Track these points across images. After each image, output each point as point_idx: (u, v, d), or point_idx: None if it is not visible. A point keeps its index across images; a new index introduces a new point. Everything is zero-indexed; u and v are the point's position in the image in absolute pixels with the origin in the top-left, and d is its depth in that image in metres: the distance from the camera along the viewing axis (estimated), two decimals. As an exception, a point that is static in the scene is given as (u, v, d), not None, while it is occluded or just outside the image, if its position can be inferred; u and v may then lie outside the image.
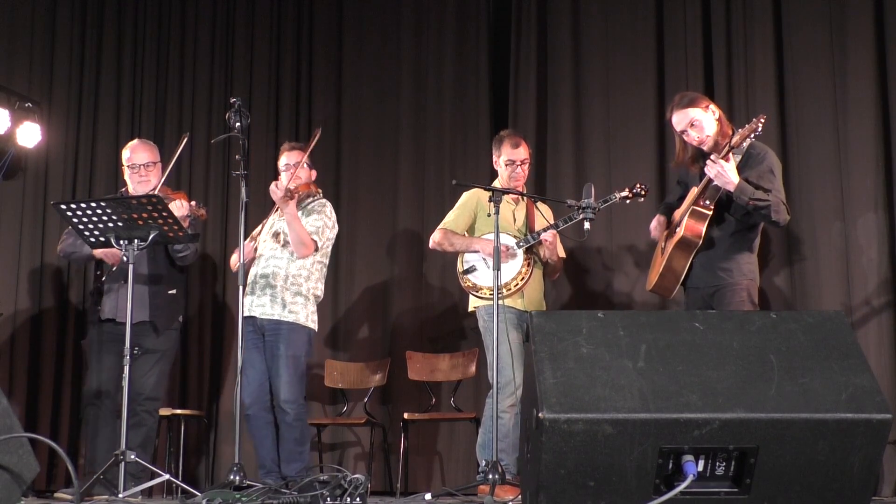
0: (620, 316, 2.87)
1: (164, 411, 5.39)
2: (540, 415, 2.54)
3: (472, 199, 4.83)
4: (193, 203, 4.60)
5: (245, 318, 4.44)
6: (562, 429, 2.53)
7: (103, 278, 4.72)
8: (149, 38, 6.54)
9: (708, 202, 4.09)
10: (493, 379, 4.14)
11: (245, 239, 4.32)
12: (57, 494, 4.56)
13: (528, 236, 4.68)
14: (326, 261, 4.88)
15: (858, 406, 2.56)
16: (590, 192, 4.09)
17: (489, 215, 4.17)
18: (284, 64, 6.47)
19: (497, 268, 4.05)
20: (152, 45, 6.54)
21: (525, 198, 4.78)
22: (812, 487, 2.59)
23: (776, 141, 5.04)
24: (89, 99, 6.44)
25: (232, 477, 3.97)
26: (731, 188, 3.98)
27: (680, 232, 4.14)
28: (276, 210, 4.86)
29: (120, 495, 3.83)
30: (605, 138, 5.68)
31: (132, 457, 3.87)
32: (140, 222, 4.05)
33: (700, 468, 2.58)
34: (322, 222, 4.78)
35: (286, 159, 4.89)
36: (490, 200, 4.12)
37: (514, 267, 4.60)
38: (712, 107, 4.21)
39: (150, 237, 4.06)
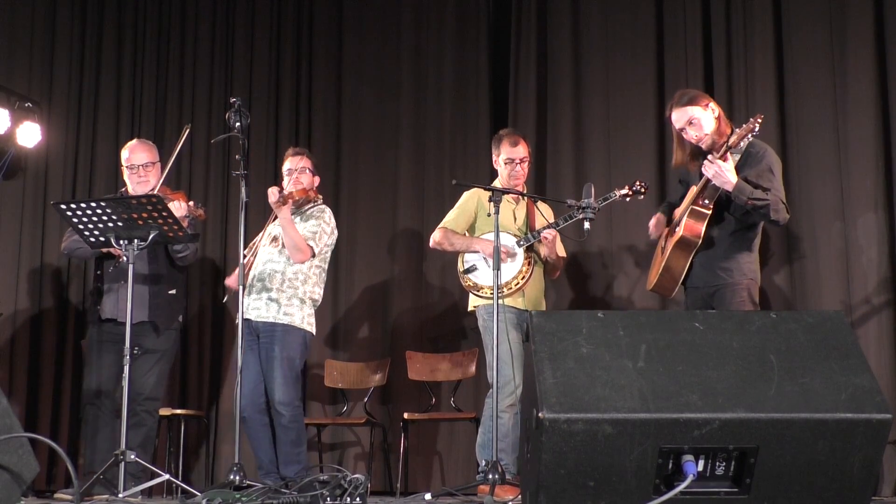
0: (620, 316, 2.86)
1: (164, 411, 5.39)
2: (540, 415, 2.53)
3: (472, 198, 4.83)
4: (192, 203, 4.60)
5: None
6: (562, 429, 2.52)
7: (103, 278, 4.71)
8: (149, 38, 6.54)
9: (707, 201, 4.09)
10: (492, 379, 4.14)
11: (245, 240, 4.31)
12: (57, 494, 4.56)
13: (529, 235, 4.68)
14: (325, 265, 4.85)
15: (858, 406, 2.55)
16: (589, 192, 4.09)
17: (489, 215, 4.17)
18: (284, 64, 6.47)
19: (497, 268, 4.05)
20: (152, 44, 6.54)
21: (525, 197, 4.78)
22: (812, 487, 2.58)
23: (776, 141, 5.04)
24: (89, 99, 6.44)
25: (232, 477, 3.96)
26: (730, 188, 3.97)
27: (679, 231, 4.13)
28: (274, 215, 4.86)
29: (120, 495, 3.83)
30: (604, 138, 5.68)
31: (132, 457, 3.88)
32: (140, 222, 4.05)
33: (700, 468, 2.57)
34: (319, 228, 4.75)
35: (289, 164, 4.89)
36: (490, 200, 4.13)
37: (515, 266, 4.60)
38: (712, 105, 4.20)
39: (150, 237, 4.06)
